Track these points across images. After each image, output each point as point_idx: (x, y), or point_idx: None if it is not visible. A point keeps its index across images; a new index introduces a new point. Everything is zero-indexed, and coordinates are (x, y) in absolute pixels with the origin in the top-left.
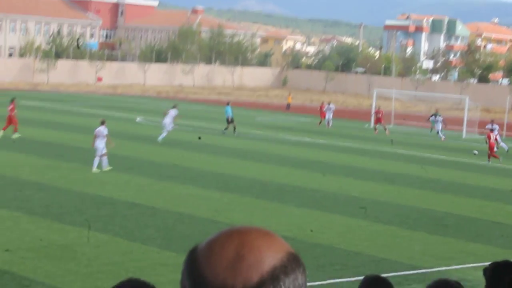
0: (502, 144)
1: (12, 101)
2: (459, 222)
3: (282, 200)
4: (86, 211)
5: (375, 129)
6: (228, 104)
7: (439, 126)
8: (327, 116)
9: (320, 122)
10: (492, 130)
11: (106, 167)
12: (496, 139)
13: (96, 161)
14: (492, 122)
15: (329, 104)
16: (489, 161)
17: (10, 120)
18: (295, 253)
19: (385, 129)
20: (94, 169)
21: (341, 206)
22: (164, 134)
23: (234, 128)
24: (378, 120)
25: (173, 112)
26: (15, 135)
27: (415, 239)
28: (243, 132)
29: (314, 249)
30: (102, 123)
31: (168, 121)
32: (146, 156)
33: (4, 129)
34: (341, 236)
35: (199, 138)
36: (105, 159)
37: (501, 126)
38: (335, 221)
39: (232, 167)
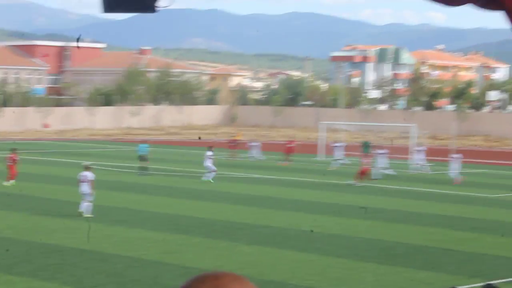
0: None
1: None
2: (408, 250)
3: (232, 238)
4: (34, 260)
5: (286, 160)
6: (143, 142)
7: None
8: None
9: (285, 160)
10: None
11: (88, 213)
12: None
13: (84, 204)
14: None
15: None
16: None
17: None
18: None
19: (286, 161)
20: (83, 211)
21: (292, 241)
22: (213, 174)
23: (143, 168)
24: (289, 150)
25: (209, 153)
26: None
27: (366, 270)
28: (194, 172)
29: (267, 286)
30: (87, 168)
31: (208, 163)
32: (95, 201)
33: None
34: (293, 271)
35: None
36: (90, 205)
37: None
38: (286, 257)
39: (181, 208)
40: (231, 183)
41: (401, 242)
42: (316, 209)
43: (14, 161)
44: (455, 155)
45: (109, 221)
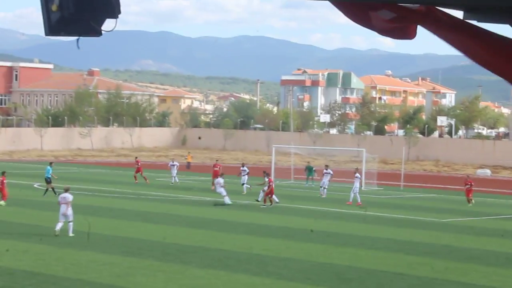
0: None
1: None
2: (361, 275)
3: (184, 261)
4: None
5: (212, 184)
6: (50, 164)
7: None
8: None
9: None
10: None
11: (70, 233)
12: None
13: (70, 226)
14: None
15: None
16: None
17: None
18: None
19: (213, 184)
20: (57, 231)
21: (245, 264)
22: (226, 198)
23: (53, 190)
24: (216, 174)
25: (220, 180)
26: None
27: None
28: (143, 194)
29: None
30: (67, 190)
31: (219, 188)
32: (45, 223)
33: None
34: None
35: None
36: (71, 225)
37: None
38: (239, 281)
39: (133, 230)
40: (184, 206)
41: (353, 266)
42: (268, 232)
43: (2, 183)
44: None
45: (59, 244)
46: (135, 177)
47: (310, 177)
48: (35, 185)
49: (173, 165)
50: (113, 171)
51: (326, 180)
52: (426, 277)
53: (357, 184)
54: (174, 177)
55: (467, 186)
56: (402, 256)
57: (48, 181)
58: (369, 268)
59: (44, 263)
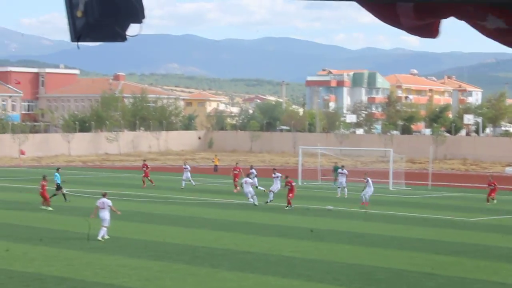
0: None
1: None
2: (390, 275)
3: (213, 264)
4: None
5: (235, 186)
6: (57, 170)
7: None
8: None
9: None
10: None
11: (104, 236)
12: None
13: (102, 230)
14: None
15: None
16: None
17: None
18: None
19: (235, 187)
20: (100, 237)
21: (274, 266)
22: (255, 198)
23: (64, 196)
24: (236, 177)
25: (250, 180)
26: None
27: None
28: (171, 197)
29: None
30: (104, 195)
31: (248, 188)
32: (74, 228)
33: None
34: None
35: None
36: (106, 230)
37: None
38: (268, 283)
39: (161, 234)
40: (212, 209)
41: (382, 267)
42: (296, 234)
43: (43, 187)
44: (368, 178)
45: (88, 248)
46: (143, 181)
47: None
48: (63, 191)
49: (186, 168)
50: (140, 175)
51: (343, 180)
52: (456, 277)
53: (368, 189)
54: (184, 180)
55: (491, 187)
56: (431, 255)
57: (59, 187)
58: (398, 269)
59: (73, 268)
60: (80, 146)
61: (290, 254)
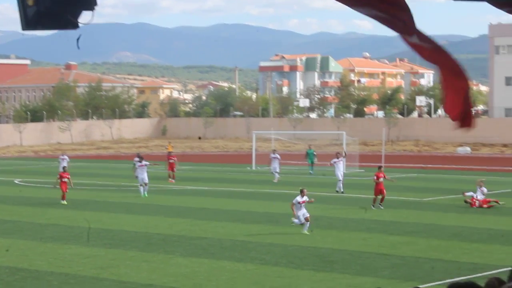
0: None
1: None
2: (344, 257)
3: (167, 251)
4: None
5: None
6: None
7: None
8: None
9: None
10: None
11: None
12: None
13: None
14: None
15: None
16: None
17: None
18: None
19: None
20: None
21: (228, 251)
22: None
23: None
24: (171, 167)
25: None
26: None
27: (302, 278)
28: (124, 186)
29: None
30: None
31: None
32: (27, 218)
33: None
34: (230, 282)
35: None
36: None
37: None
38: (223, 267)
39: (115, 222)
40: (167, 196)
41: (336, 249)
42: (251, 218)
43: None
44: (272, 155)
45: (42, 238)
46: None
47: (311, 163)
48: (15, 181)
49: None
50: (93, 164)
51: (275, 164)
52: (409, 256)
53: (275, 164)
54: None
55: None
56: (385, 236)
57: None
58: (352, 250)
59: (27, 258)
60: (32, 136)
61: (245, 239)
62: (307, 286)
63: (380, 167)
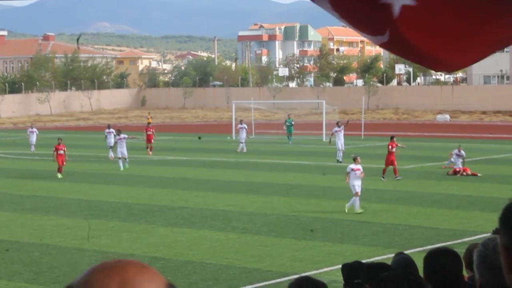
0: None
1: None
2: (325, 225)
3: (149, 221)
4: None
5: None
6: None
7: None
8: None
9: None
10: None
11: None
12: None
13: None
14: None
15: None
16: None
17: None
18: (171, 283)
19: (147, 148)
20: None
21: (209, 221)
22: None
23: None
24: (149, 139)
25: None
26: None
27: (284, 247)
28: (104, 156)
29: (185, 267)
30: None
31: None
32: (6, 190)
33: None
34: (211, 251)
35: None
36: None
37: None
38: (204, 237)
39: (95, 193)
40: (148, 166)
41: (317, 217)
42: (232, 188)
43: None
44: (240, 125)
45: (22, 210)
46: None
47: (290, 133)
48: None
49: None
50: (73, 135)
51: (243, 134)
52: (389, 224)
53: (242, 135)
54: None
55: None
56: (366, 204)
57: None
58: (333, 218)
59: (8, 230)
60: (10, 108)
61: (226, 208)
62: (288, 255)
63: (392, 137)
